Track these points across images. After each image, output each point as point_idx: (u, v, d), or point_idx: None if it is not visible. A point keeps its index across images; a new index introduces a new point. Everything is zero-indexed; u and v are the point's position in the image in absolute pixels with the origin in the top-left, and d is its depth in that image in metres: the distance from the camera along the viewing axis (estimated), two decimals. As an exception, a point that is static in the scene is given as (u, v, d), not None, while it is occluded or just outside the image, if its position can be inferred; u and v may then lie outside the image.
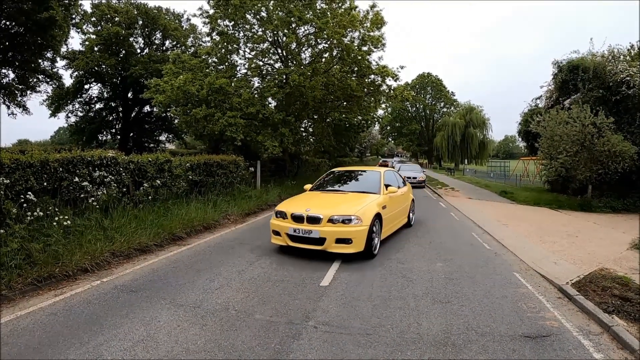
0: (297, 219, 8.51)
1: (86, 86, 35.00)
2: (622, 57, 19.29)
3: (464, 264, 8.25)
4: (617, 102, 18.09)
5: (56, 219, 7.82)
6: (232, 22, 21.13)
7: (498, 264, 8.42)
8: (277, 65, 22.89)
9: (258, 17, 20.99)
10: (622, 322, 5.27)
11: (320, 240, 8.17)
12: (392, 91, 22.84)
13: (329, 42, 21.09)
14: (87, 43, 32.22)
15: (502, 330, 5.11)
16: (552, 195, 21.22)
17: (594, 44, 27.72)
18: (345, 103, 24.51)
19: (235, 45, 21.69)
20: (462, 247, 9.99)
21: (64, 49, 29.91)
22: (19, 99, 28.62)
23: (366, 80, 22.56)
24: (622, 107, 18.06)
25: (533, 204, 19.14)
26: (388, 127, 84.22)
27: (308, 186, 11.20)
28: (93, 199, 9.23)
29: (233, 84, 20.16)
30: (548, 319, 5.52)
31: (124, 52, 32.89)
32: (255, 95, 20.60)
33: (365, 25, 21.76)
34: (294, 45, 21.64)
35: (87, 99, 35.84)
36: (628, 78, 17.62)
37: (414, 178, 26.19)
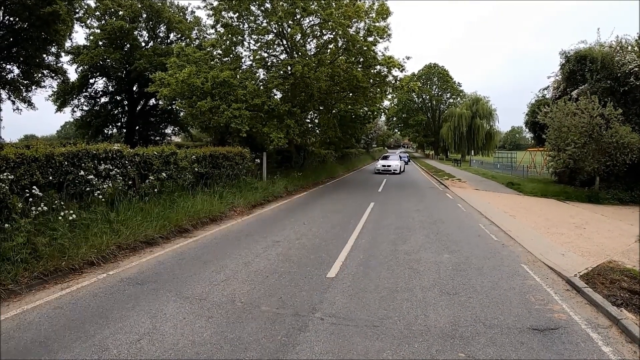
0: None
1: (91, 80, 34.92)
2: (630, 47, 19.05)
3: (471, 256, 8.21)
4: (625, 93, 17.89)
5: (62, 212, 7.82)
6: (237, 14, 21.01)
7: (505, 255, 8.37)
8: (282, 56, 22.77)
9: (262, 8, 20.84)
10: (630, 315, 5.22)
11: None
12: (398, 82, 22.64)
13: (334, 33, 20.91)
14: (91, 38, 32.13)
15: (510, 322, 5.07)
16: (559, 186, 21.05)
17: (601, 34, 27.38)
18: (351, 94, 24.35)
19: (239, 37, 21.56)
20: (469, 238, 9.94)
21: (68, 44, 29.89)
22: (24, 94, 28.65)
23: (372, 71, 22.36)
24: (630, 98, 17.86)
25: (540, 196, 19.02)
26: (394, 118, 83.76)
27: None
28: (99, 192, 9.22)
29: (238, 76, 20.07)
30: (556, 311, 5.47)
31: (128, 45, 32.73)
32: (261, 87, 20.52)
33: (370, 15, 21.56)
34: (298, 37, 21.49)
35: (92, 93, 35.77)
36: (636, 69, 17.41)
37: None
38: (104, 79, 35.50)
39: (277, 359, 4.19)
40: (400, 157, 40.25)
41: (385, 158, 39.45)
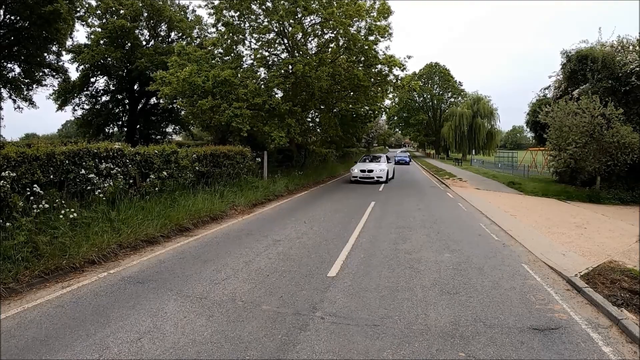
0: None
1: (92, 79, 34.93)
2: (631, 47, 19.03)
3: (472, 255, 8.20)
4: (627, 92, 17.85)
5: (63, 211, 7.83)
6: (238, 13, 21.03)
7: (506, 255, 8.37)
8: (283, 55, 22.79)
9: (263, 7, 20.86)
10: (631, 316, 5.21)
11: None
12: (399, 81, 22.67)
13: (335, 32, 20.95)
14: (92, 36, 32.14)
15: (511, 322, 5.07)
16: (560, 186, 21.06)
17: (602, 34, 27.35)
18: (352, 93, 24.36)
19: (240, 36, 21.59)
20: (470, 237, 9.94)
21: (69, 43, 29.93)
22: (25, 93, 28.72)
23: (373, 70, 22.40)
24: (632, 98, 17.82)
25: (541, 195, 19.01)
26: (395, 118, 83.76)
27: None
28: (99, 191, 9.23)
29: (239, 74, 20.08)
30: (557, 311, 5.47)
31: (129, 44, 32.73)
32: (262, 86, 20.52)
33: (371, 14, 21.58)
34: (299, 36, 21.50)
35: (93, 92, 35.78)
36: (638, 69, 17.37)
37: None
38: (105, 77, 35.53)
39: (278, 358, 4.19)
40: (388, 159, 29.14)
41: (365, 161, 27.76)
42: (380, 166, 24.97)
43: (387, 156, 30.21)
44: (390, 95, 31.04)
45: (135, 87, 35.90)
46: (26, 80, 28.39)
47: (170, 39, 36.29)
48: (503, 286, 6.38)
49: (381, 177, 24.05)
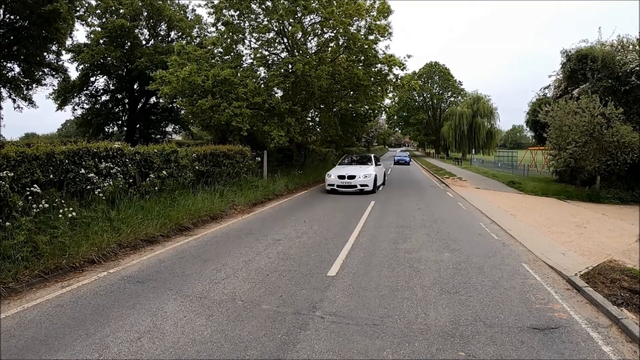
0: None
1: (92, 79, 34.96)
2: (631, 46, 19.02)
3: (472, 255, 8.19)
4: (627, 92, 17.85)
5: (62, 210, 7.82)
6: (237, 12, 21.05)
7: (506, 254, 8.36)
8: (282, 55, 22.79)
9: (263, 6, 20.85)
10: (631, 315, 5.20)
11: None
12: (399, 80, 22.67)
13: (335, 32, 20.95)
14: (92, 36, 32.16)
15: (510, 321, 5.06)
16: (560, 185, 21.07)
17: (602, 33, 27.32)
18: (351, 92, 24.36)
19: (240, 35, 21.59)
20: (470, 237, 9.92)
21: (69, 42, 30.01)
22: (25, 92, 28.76)
23: (373, 69, 22.39)
24: (632, 97, 17.82)
25: (541, 195, 19.00)
26: (395, 117, 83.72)
27: None
28: (99, 190, 9.22)
29: (239, 74, 20.08)
30: (557, 310, 5.47)
31: (129, 44, 32.74)
32: (261, 85, 20.52)
33: (371, 14, 21.59)
34: (299, 35, 21.49)
35: (93, 92, 35.80)
36: (637, 68, 17.37)
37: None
38: (104, 77, 35.58)
39: (278, 357, 4.18)
40: (377, 160, 23.23)
41: (346, 163, 21.98)
42: (365, 170, 19.06)
43: (375, 156, 23.47)
44: (390, 95, 30.93)
45: (135, 86, 35.93)
46: (26, 80, 28.43)
47: (170, 39, 36.33)
48: (503, 285, 6.37)
49: (366, 186, 18.18)
